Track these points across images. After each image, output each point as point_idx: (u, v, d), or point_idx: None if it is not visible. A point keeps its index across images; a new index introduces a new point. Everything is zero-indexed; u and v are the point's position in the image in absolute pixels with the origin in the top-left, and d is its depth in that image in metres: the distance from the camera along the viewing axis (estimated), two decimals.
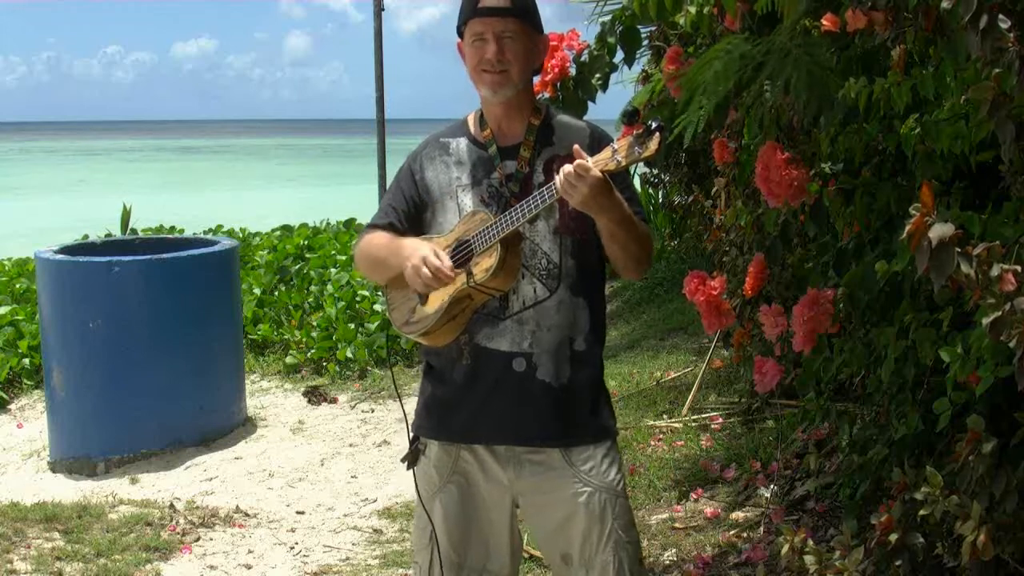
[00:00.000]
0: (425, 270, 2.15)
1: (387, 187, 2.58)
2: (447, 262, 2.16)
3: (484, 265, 2.17)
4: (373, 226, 2.38)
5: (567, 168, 2.04)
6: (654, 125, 1.99)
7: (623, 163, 2.03)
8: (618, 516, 2.29)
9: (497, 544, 2.39)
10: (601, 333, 2.36)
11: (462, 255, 2.21)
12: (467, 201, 2.29)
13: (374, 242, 2.35)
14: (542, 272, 2.25)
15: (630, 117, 2.05)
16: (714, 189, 4.75)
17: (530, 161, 2.27)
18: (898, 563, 2.27)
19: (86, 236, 9.76)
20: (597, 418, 2.32)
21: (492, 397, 2.27)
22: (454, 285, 2.21)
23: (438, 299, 2.23)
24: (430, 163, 2.36)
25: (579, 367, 2.29)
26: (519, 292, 2.25)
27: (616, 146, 2.05)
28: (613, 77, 3.20)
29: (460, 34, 2.30)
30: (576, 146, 2.07)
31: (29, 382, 6.86)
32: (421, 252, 2.18)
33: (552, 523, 2.33)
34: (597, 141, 2.26)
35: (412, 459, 2.41)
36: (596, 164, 2.04)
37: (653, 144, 1.99)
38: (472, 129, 2.36)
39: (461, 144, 2.35)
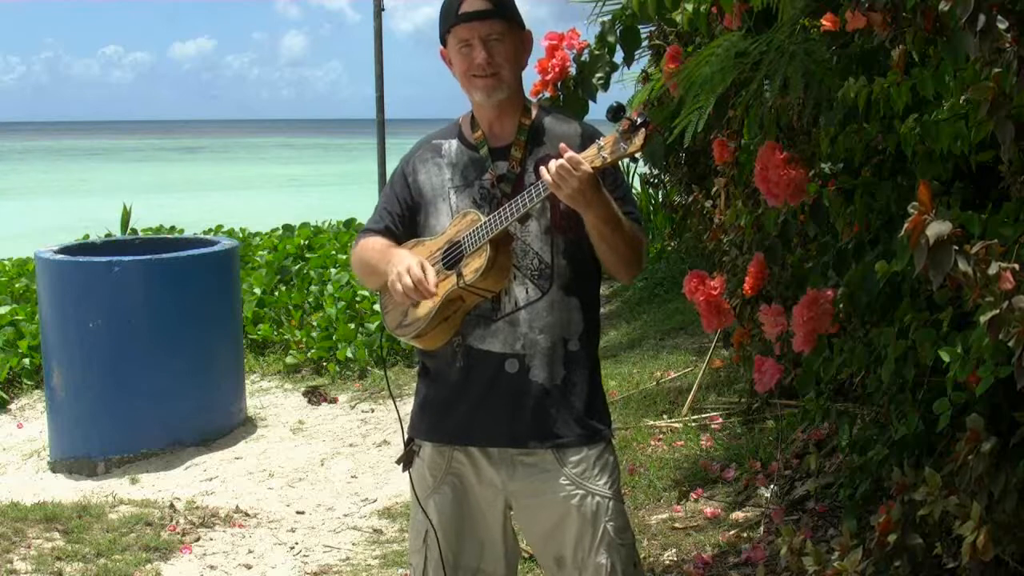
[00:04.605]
0: (407, 279, 2.13)
1: None
2: (431, 276, 2.15)
3: (474, 266, 2.16)
4: (368, 231, 2.37)
5: (559, 161, 2.03)
6: (639, 120, 1.97)
7: (608, 159, 2.03)
8: (611, 519, 2.27)
9: (491, 545, 2.38)
10: (595, 334, 2.34)
11: (453, 256, 2.20)
12: (459, 203, 2.28)
13: (368, 248, 2.34)
14: (533, 272, 2.24)
15: (615, 113, 2.04)
16: (714, 189, 4.75)
17: (521, 162, 2.26)
18: (897, 564, 2.27)
19: (86, 236, 9.77)
20: (591, 420, 2.29)
21: (486, 399, 2.26)
22: (445, 287, 2.20)
23: (430, 301, 2.22)
24: (422, 165, 2.35)
25: (573, 368, 2.27)
26: (511, 293, 2.23)
27: (602, 143, 2.04)
28: (613, 76, 3.19)
29: (443, 41, 2.28)
30: (563, 144, 2.07)
31: (29, 382, 6.86)
32: (406, 262, 2.17)
33: (545, 525, 2.31)
34: (588, 140, 2.24)
35: (407, 461, 2.40)
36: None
37: (638, 140, 1.98)
38: (464, 131, 2.35)
39: (453, 146, 2.34)
